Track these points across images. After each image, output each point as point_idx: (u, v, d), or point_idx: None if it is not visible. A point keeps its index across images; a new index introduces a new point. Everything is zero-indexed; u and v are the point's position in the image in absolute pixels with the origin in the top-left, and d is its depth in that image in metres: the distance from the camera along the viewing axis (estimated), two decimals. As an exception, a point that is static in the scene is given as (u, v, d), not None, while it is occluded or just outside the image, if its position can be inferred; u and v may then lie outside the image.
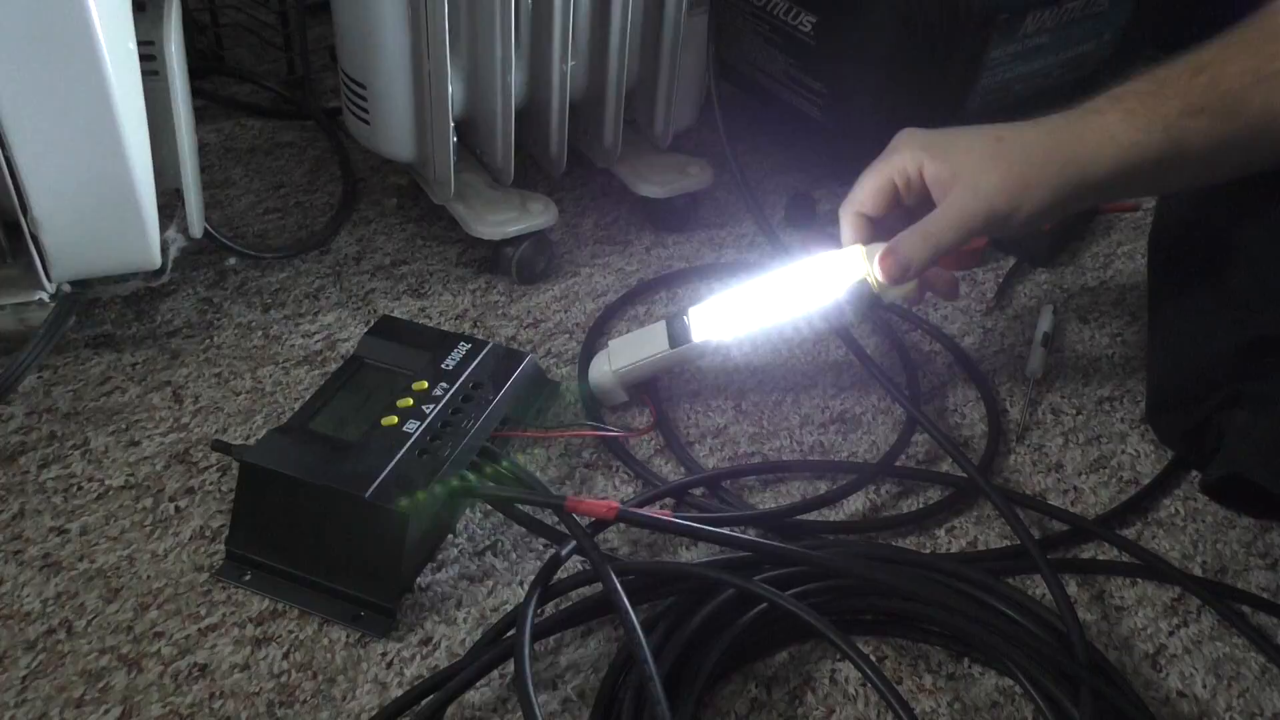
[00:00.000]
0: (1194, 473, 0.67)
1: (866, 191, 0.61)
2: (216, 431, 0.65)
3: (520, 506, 0.58)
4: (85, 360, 0.69)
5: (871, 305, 0.65)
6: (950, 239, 0.57)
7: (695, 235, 0.87)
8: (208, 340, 0.72)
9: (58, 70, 0.55)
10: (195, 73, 0.70)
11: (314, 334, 0.73)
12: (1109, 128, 0.54)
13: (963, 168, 0.56)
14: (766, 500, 0.63)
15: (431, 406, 0.59)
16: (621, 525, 0.59)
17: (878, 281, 0.60)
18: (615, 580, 0.50)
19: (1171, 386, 0.67)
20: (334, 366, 0.69)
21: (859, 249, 0.61)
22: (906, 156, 0.59)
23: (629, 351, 0.68)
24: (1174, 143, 0.53)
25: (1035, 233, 0.86)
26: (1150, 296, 0.71)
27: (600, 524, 0.55)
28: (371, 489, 0.53)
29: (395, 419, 0.58)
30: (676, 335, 0.67)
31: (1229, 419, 0.61)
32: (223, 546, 0.56)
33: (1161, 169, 0.54)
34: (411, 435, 0.57)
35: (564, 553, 0.53)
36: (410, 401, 0.60)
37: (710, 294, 0.79)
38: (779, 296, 0.64)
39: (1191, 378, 0.64)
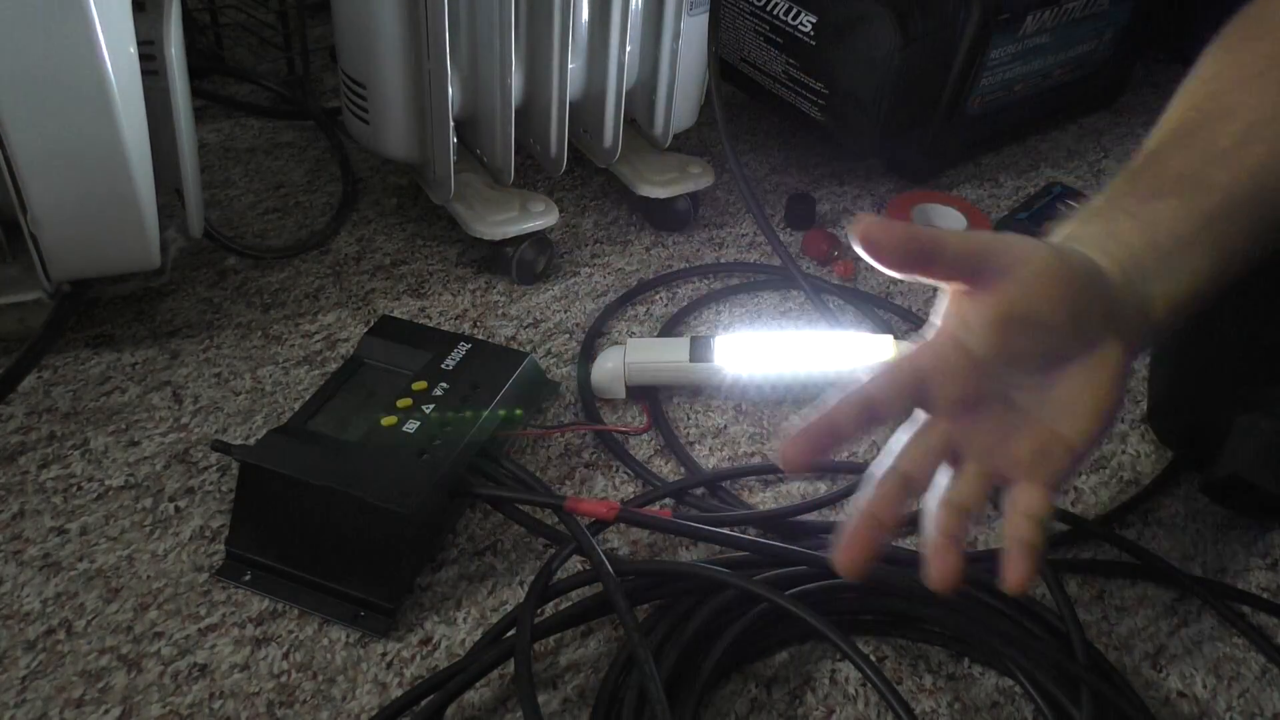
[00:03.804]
0: (1194, 473, 0.67)
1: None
2: (216, 431, 0.65)
3: (520, 506, 0.58)
4: (85, 360, 0.69)
5: None
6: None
7: (695, 235, 0.87)
8: (208, 340, 0.72)
9: (57, 70, 0.55)
10: (195, 73, 0.70)
11: (314, 334, 0.73)
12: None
13: None
14: (766, 501, 0.63)
15: (431, 406, 0.59)
16: (621, 525, 0.59)
17: None
18: (615, 580, 0.50)
19: (1173, 387, 0.67)
20: (334, 366, 0.68)
21: (890, 339, 0.66)
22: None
23: (646, 351, 0.68)
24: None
25: (1035, 232, 0.86)
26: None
27: (600, 524, 0.55)
28: (372, 489, 0.53)
29: (395, 419, 0.58)
30: (698, 352, 0.67)
31: (1230, 420, 0.61)
32: (223, 546, 0.56)
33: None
34: (411, 435, 0.57)
35: (564, 553, 0.53)
36: (410, 401, 0.60)
37: (711, 296, 0.80)
38: (804, 356, 0.68)
39: (1193, 379, 0.64)
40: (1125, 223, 0.43)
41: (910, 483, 0.42)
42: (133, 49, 0.58)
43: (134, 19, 0.58)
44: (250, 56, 1.09)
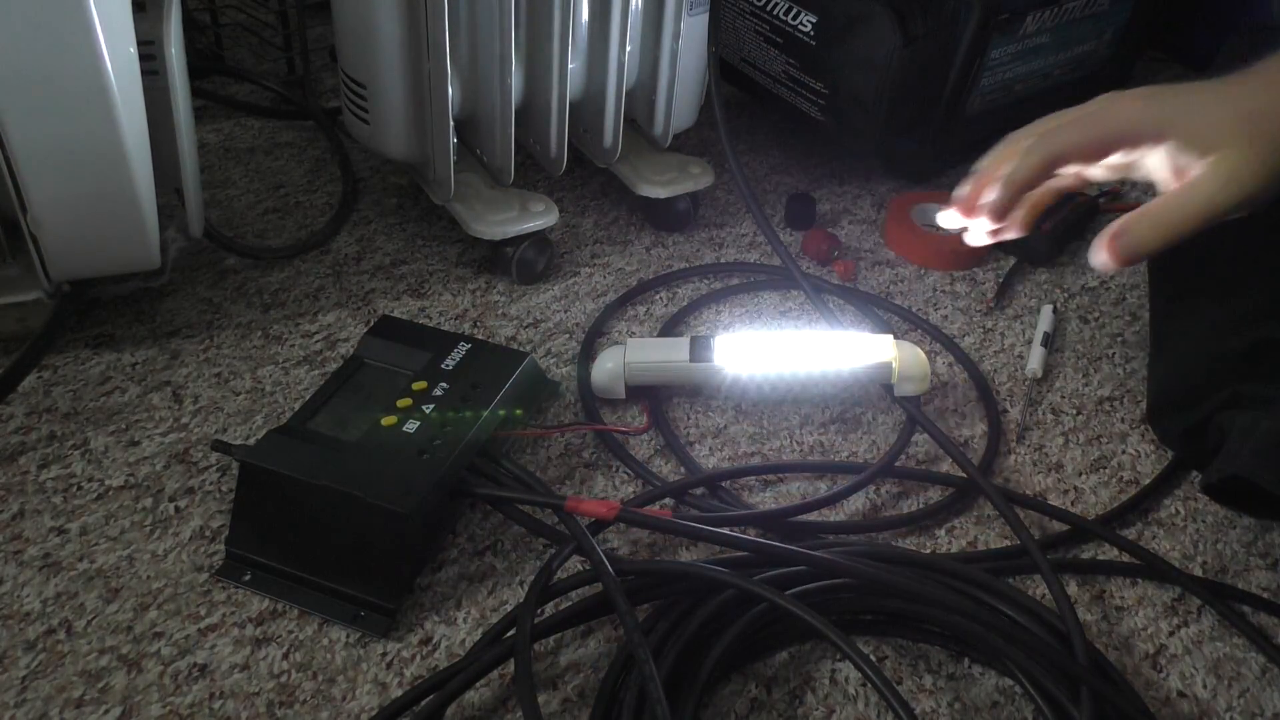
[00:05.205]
0: (1194, 473, 0.67)
1: (1072, 144, 0.52)
2: (216, 431, 0.65)
3: (520, 506, 0.58)
4: (85, 360, 0.69)
5: (887, 391, 0.71)
6: (1192, 228, 0.50)
7: (695, 235, 0.87)
8: (208, 340, 0.72)
9: (57, 70, 0.55)
10: (195, 73, 0.70)
11: (314, 334, 0.73)
12: None
13: (1213, 147, 0.49)
14: (766, 500, 0.63)
15: (431, 406, 0.59)
16: (621, 525, 0.59)
17: (896, 375, 0.67)
18: (615, 580, 0.50)
19: (1172, 387, 0.67)
20: (334, 366, 0.68)
21: (889, 339, 0.68)
22: (1142, 117, 0.50)
23: (646, 351, 0.68)
24: None
25: (1035, 232, 0.86)
26: (1151, 297, 0.71)
27: (600, 524, 0.55)
28: (372, 489, 0.53)
29: (395, 419, 0.58)
30: (698, 352, 0.67)
31: (1230, 420, 0.61)
32: (223, 546, 0.56)
33: None
34: (411, 435, 0.57)
35: (564, 553, 0.53)
36: (410, 401, 0.60)
37: (711, 296, 0.80)
38: (805, 355, 0.68)
39: (1192, 378, 0.64)
40: None
41: None
42: (133, 49, 0.58)
43: (134, 19, 0.58)
44: (250, 56, 1.09)
